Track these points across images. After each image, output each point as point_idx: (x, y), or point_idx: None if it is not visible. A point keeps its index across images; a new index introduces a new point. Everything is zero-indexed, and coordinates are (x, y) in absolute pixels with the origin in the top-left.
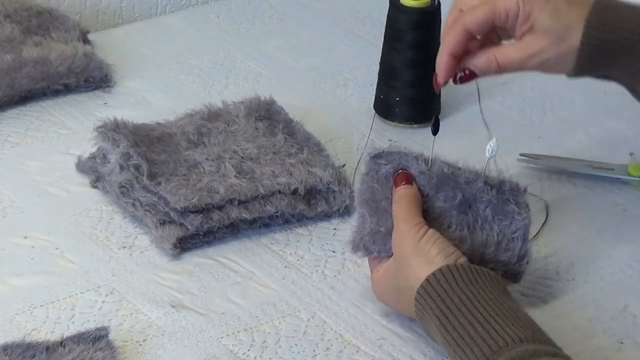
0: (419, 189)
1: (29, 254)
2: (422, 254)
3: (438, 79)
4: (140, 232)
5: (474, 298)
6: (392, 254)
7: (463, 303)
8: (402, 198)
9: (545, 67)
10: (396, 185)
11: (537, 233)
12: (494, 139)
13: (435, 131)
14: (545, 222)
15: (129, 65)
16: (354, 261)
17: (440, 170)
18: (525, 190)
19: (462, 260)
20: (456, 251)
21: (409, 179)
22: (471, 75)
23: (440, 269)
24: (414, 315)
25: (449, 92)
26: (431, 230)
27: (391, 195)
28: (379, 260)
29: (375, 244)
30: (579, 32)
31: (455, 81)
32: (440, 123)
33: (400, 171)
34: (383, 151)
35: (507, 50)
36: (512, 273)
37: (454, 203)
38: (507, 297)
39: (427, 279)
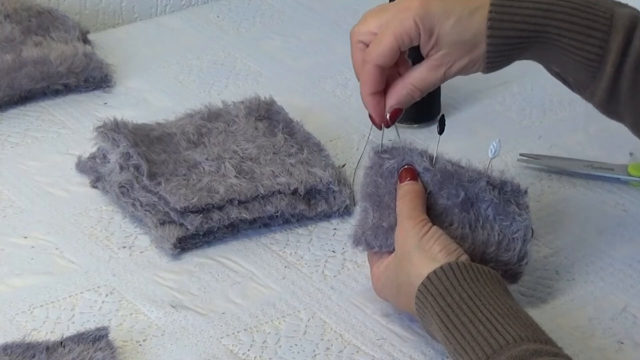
0: (423, 186)
1: (29, 254)
2: (424, 251)
3: (375, 122)
4: (140, 232)
5: (475, 296)
6: (393, 249)
7: (464, 301)
8: (407, 194)
9: (461, 74)
10: (401, 180)
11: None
12: (497, 139)
13: (441, 131)
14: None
15: (129, 65)
16: (354, 261)
17: (444, 167)
18: (526, 192)
19: (464, 258)
20: (458, 249)
21: (414, 175)
22: (398, 111)
23: (441, 267)
24: (413, 312)
25: (449, 92)
26: (434, 228)
27: (395, 190)
28: (379, 256)
29: (377, 239)
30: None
31: (387, 124)
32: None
33: (405, 166)
34: (388, 146)
35: (421, 73)
36: (511, 273)
37: (456, 201)
38: (508, 297)
39: (428, 277)
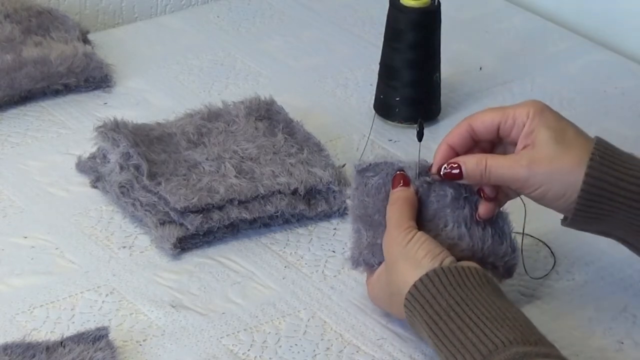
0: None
1: (29, 254)
2: (408, 258)
3: (432, 168)
4: (140, 232)
5: (462, 301)
6: None
7: (451, 307)
8: (396, 201)
9: (533, 183)
10: (393, 186)
11: (545, 275)
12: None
13: (420, 137)
14: (554, 266)
15: (129, 65)
16: None
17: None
18: None
19: (448, 261)
20: (444, 251)
21: (406, 181)
22: (456, 173)
23: (427, 274)
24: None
25: (449, 92)
26: (419, 233)
27: (383, 207)
28: None
29: (375, 256)
30: (579, 159)
31: (440, 174)
32: (441, 123)
33: (397, 172)
34: (370, 164)
35: (500, 157)
36: (508, 267)
37: (446, 201)
38: (496, 297)
39: (414, 285)
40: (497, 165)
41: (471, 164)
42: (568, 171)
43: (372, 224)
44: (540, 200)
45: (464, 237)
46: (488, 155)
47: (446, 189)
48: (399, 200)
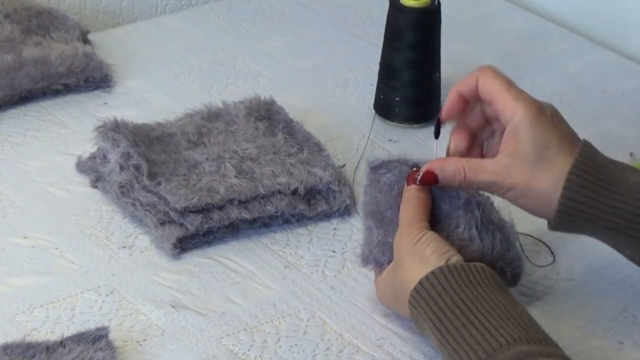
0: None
1: (29, 254)
2: (416, 255)
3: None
4: (140, 232)
5: (467, 299)
6: None
7: (456, 305)
8: (410, 200)
9: (510, 194)
10: (408, 183)
11: (550, 264)
12: None
13: (437, 135)
14: (554, 261)
15: (129, 65)
16: (354, 261)
17: None
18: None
19: (455, 259)
20: (450, 250)
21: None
22: (431, 179)
23: (432, 272)
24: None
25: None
26: (430, 233)
27: (395, 204)
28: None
29: (385, 255)
30: (554, 183)
31: (415, 181)
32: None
33: (413, 169)
34: (383, 161)
35: (479, 164)
36: (514, 274)
37: (459, 202)
38: (501, 295)
39: (420, 282)
40: (476, 173)
41: (449, 170)
42: (543, 192)
43: (384, 221)
44: (519, 206)
45: (474, 239)
46: (465, 161)
47: (459, 192)
48: (413, 199)
